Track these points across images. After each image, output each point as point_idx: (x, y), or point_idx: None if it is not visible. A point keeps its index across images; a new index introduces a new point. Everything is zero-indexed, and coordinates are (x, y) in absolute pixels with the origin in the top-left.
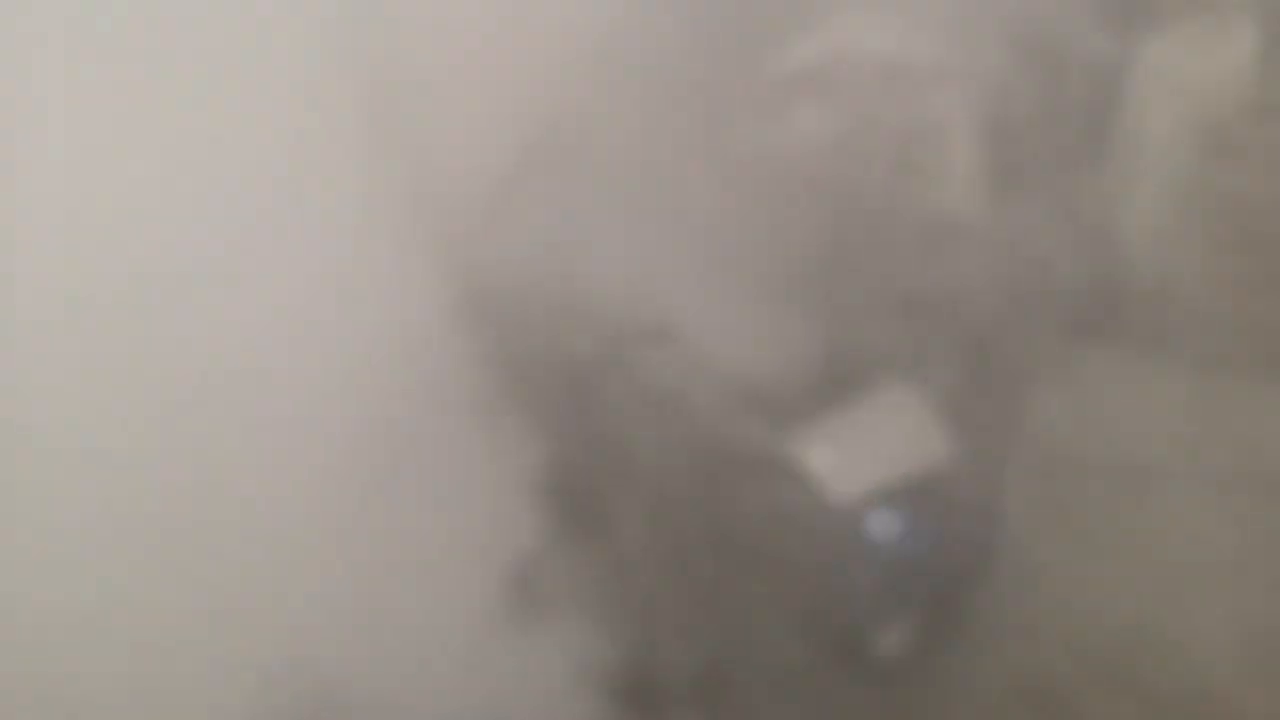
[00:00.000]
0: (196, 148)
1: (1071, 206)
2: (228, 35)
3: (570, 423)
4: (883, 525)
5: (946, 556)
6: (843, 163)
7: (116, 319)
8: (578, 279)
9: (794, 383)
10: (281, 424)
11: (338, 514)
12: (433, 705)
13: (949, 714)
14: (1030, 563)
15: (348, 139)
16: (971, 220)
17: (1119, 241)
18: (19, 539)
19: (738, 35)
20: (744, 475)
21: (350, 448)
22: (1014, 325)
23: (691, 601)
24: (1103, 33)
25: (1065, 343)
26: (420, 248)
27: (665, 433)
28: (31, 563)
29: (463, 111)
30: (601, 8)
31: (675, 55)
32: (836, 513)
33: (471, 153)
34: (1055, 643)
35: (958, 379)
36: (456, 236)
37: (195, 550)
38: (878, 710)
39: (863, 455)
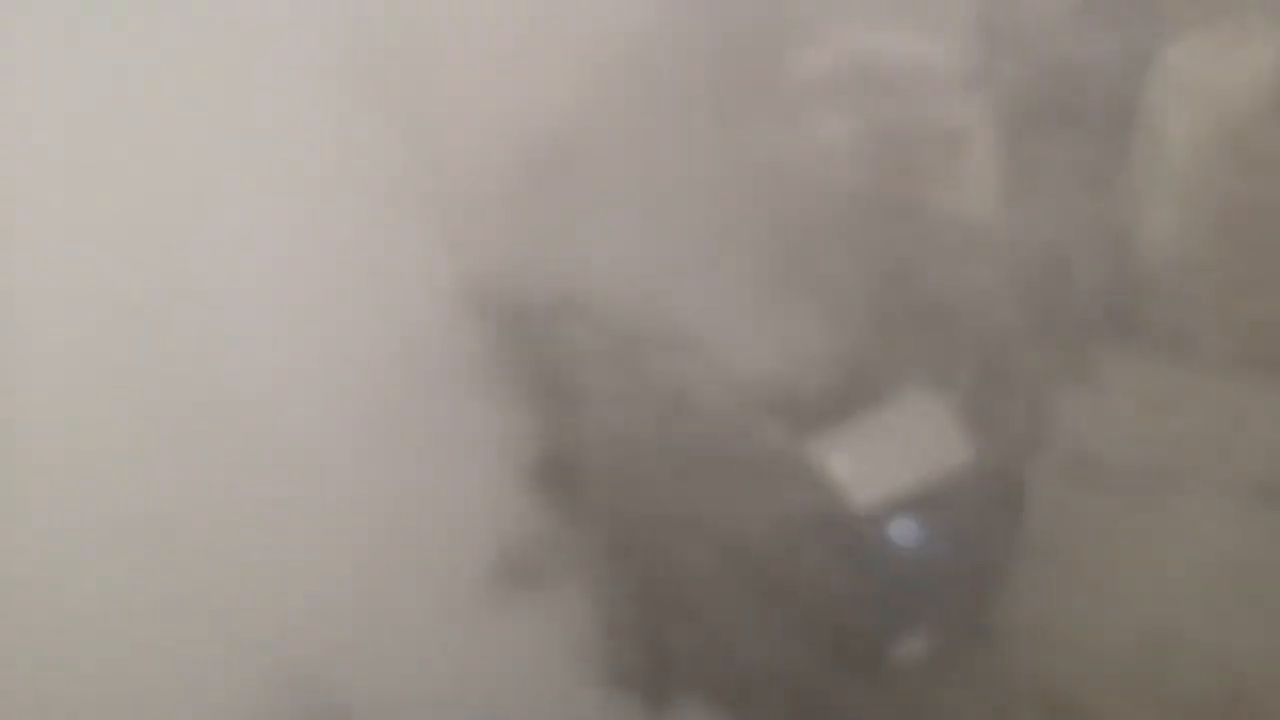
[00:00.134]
0: (197, 144)
1: (1091, 212)
2: (234, 33)
3: (572, 422)
4: (904, 531)
5: (968, 562)
6: (861, 168)
7: (116, 319)
8: (593, 280)
9: (813, 389)
10: (281, 423)
11: (338, 513)
12: (432, 697)
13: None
14: (1052, 568)
15: (356, 136)
16: (991, 225)
17: (1139, 246)
18: (19, 539)
19: (757, 42)
20: (762, 481)
21: (351, 445)
22: (1034, 330)
23: (699, 603)
24: (1121, 38)
25: (1086, 347)
26: (429, 246)
27: (675, 433)
28: (31, 563)
29: (479, 111)
30: (625, 13)
31: (698, 60)
32: (857, 519)
33: (488, 153)
34: (1078, 648)
35: (978, 384)
36: (467, 236)
37: (195, 550)
38: (894, 715)
39: (883, 461)
